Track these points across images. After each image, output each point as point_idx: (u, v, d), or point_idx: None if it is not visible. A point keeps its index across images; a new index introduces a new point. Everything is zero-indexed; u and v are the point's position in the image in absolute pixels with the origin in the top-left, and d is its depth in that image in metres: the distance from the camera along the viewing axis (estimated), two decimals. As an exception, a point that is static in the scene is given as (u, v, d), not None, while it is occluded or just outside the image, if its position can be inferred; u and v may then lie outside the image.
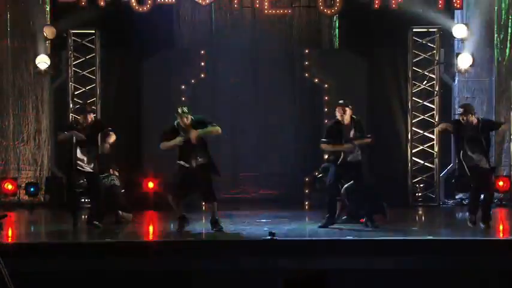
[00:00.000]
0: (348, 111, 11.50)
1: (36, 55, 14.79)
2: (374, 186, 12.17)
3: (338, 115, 11.52)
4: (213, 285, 9.52)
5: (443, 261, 9.68)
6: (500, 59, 15.24)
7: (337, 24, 15.30)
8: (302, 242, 10.66)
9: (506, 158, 15.19)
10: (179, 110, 11.14)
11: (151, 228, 12.88)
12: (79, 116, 11.84)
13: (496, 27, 15.22)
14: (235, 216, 13.17)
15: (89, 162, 11.65)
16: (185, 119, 11.09)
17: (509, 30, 15.20)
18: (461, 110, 11.46)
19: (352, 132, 11.59)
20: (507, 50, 15.20)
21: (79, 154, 11.59)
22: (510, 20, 15.24)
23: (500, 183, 14.74)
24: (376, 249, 10.10)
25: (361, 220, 11.78)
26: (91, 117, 11.80)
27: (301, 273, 4.46)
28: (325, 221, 11.56)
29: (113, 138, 12.48)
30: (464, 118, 11.22)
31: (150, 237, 12.02)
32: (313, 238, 10.95)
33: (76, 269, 9.58)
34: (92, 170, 11.65)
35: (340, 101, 11.66)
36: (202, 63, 15.01)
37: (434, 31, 14.81)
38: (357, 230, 11.42)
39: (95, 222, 11.51)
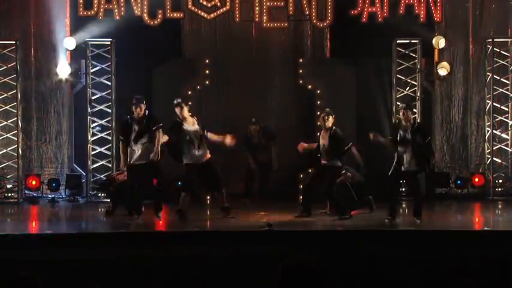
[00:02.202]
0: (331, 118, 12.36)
1: (57, 64, 15.14)
2: (363, 182, 12.84)
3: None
4: (218, 271, 9.45)
5: (427, 250, 10.00)
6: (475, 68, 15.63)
7: (328, 36, 15.49)
8: (297, 232, 11.01)
9: (481, 158, 15.71)
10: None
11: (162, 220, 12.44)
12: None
13: (470, 39, 15.64)
14: (237, 208, 13.23)
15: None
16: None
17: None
18: (403, 105, 12.06)
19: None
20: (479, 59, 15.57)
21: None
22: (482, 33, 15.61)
23: (476, 179, 15.40)
24: (362, 238, 10.53)
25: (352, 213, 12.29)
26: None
27: (295, 261, 4.45)
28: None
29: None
30: (405, 113, 11.76)
31: (162, 228, 12.04)
32: (307, 229, 11.33)
33: (94, 258, 9.74)
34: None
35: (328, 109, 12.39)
36: (207, 71, 15.37)
37: (416, 42, 15.16)
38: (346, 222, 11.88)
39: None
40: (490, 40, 15.44)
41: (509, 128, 15.60)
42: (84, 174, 15.42)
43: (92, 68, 15.23)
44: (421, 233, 11.10)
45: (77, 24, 15.35)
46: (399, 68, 15.39)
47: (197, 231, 11.15)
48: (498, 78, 15.53)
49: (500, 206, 14.89)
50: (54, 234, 11.20)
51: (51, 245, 10.29)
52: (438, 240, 10.52)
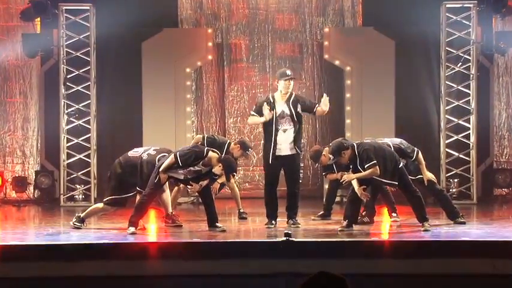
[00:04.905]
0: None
1: (23, 34, 14.26)
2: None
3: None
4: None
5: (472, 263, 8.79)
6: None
7: (360, 0, 15.03)
8: (320, 243, 9.86)
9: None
10: None
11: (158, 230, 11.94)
12: None
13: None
14: (249, 214, 12.42)
15: None
16: None
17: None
18: (331, 156, 10.69)
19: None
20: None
21: None
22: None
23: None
24: (400, 250, 9.24)
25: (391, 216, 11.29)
26: None
27: (318, 279, 4.20)
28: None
29: None
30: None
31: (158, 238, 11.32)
32: (333, 239, 10.25)
33: (72, 275, 8.75)
34: None
35: None
36: (210, 44, 14.66)
37: (470, 7, 14.23)
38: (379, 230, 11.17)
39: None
40: (563, 2, 14.67)
41: None
42: (57, 171, 14.67)
43: (66, 40, 14.30)
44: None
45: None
46: (449, 39, 14.40)
47: (200, 243, 10.00)
48: None
49: None
50: (21, 245, 9.93)
51: (17, 259, 9.08)
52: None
